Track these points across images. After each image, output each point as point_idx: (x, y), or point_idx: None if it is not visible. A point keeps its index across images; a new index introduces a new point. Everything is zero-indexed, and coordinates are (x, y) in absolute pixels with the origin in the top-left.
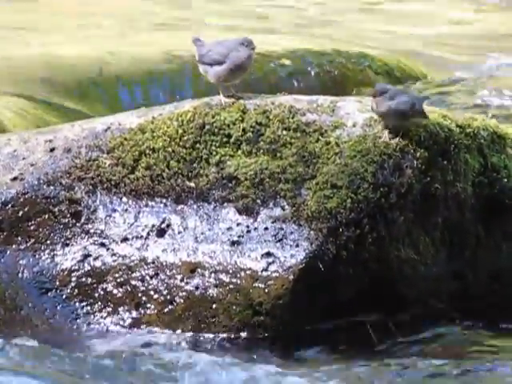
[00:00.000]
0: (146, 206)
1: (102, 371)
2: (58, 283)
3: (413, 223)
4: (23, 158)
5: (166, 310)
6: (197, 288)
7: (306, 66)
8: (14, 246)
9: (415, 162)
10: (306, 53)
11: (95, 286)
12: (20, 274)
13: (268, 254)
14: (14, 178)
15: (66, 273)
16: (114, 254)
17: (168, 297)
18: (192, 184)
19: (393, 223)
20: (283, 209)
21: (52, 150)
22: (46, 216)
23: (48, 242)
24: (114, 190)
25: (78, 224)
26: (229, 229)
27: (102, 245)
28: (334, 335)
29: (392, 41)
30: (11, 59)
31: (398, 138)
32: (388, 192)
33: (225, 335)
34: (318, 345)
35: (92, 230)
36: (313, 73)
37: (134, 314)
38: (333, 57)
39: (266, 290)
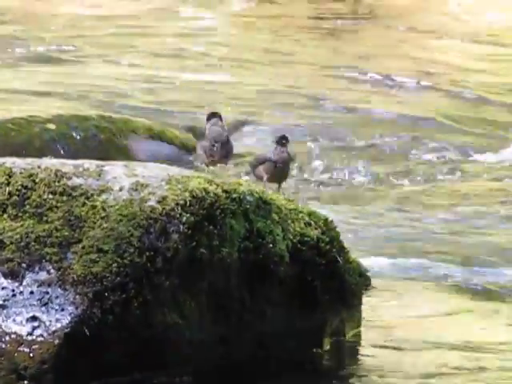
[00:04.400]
0: None
1: None
2: None
3: (178, 288)
4: None
5: None
6: None
7: (71, 131)
8: None
9: (181, 227)
10: (71, 117)
11: None
12: None
13: (33, 318)
14: None
15: None
16: None
17: None
18: None
19: (158, 288)
20: (49, 273)
21: None
22: None
23: None
24: None
25: None
26: None
27: None
28: None
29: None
30: None
31: None
32: (154, 256)
33: None
34: None
35: None
36: (78, 137)
37: None
38: (97, 121)
39: (31, 355)
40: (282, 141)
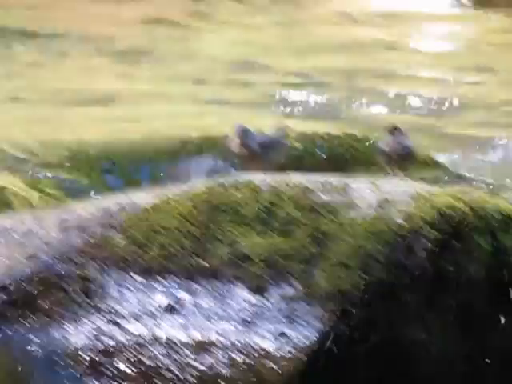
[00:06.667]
0: (159, 284)
1: None
2: (69, 361)
3: (424, 305)
4: (38, 237)
5: None
6: (209, 367)
7: (317, 148)
8: (27, 324)
9: (428, 244)
10: (315, 135)
11: (107, 364)
12: (32, 352)
13: (281, 334)
14: (29, 257)
15: (78, 351)
16: (126, 333)
17: (180, 376)
18: (205, 263)
19: (405, 305)
20: (296, 289)
21: (66, 228)
22: (59, 294)
23: (60, 319)
24: (126, 269)
25: (90, 302)
26: (241, 308)
27: (115, 323)
28: None
29: None
30: None
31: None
32: (400, 273)
33: None
34: None
35: (104, 308)
36: (323, 155)
37: None
38: (342, 139)
39: (279, 371)
40: (394, 131)
